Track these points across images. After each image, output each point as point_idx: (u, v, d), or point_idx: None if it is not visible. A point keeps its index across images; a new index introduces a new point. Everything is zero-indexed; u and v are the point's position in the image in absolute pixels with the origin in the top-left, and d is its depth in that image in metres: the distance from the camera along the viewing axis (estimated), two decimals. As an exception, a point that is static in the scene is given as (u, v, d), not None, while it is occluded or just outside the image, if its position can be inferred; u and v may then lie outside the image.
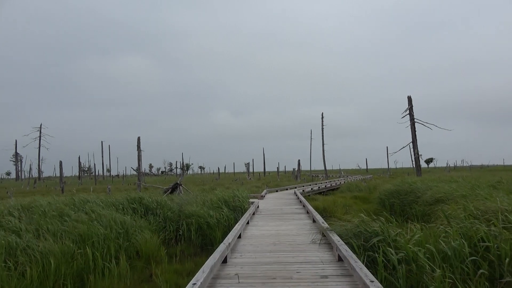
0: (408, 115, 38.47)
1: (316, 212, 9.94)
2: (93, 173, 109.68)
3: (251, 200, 16.52)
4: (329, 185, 30.37)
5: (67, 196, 13.82)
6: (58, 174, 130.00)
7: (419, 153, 38.47)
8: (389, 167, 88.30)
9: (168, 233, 11.00)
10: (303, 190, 23.69)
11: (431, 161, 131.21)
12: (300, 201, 15.81)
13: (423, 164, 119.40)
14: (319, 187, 27.20)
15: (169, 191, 22.42)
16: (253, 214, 11.71)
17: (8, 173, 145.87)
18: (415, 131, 38.26)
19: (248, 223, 9.79)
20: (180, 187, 21.28)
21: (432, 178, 20.95)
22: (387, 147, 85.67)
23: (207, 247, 10.49)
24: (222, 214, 11.00)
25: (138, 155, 36.50)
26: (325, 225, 7.83)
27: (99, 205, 11.36)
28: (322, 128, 58.88)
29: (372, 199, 21.91)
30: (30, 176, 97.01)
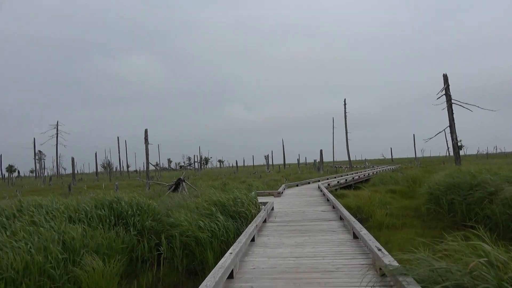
0: (444, 95, 34.09)
1: (357, 223, 6.46)
2: (111, 169, 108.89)
3: (263, 199, 13.16)
4: (357, 177, 26.69)
5: (14, 200, 10.63)
6: (79, 171, 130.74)
7: (458, 139, 34.14)
8: (416, 156, 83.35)
9: (144, 252, 7.80)
10: (328, 184, 20.16)
11: (461, 148, 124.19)
12: (328, 199, 12.34)
13: (452, 152, 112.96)
14: (346, 180, 23.59)
15: (172, 188, 19.35)
16: (264, 221, 8.36)
17: (32, 171, 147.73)
18: (452, 113, 33.83)
19: (253, 239, 6.43)
20: (183, 183, 18.14)
21: (485, 167, 17.05)
22: (414, 134, 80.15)
23: (196, 274, 7.24)
24: (218, 225, 7.66)
25: (145, 149, 33.73)
26: (384, 254, 4.36)
27: (50, 213, 8.26)
28: (345, 116, 54.77)
29: (414, 193, 18.18)
30: (52, 173, 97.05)
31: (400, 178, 20.96)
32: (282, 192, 16.03)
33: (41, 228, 6.93)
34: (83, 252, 6.59)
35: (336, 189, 20.64)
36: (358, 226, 5.93)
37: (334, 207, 10.12)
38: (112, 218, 8.53)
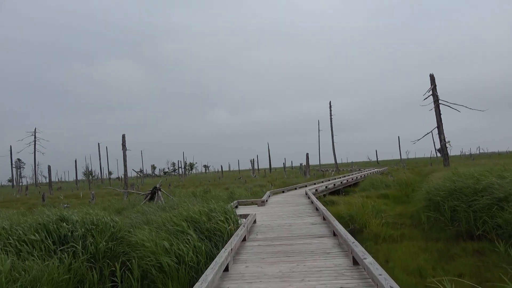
0: (432, 95, 33.44)
1: (357, 245, 5.12)
2: (92, 177, 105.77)
3: (245, 210, 11.81)
4: (345, 181, 25.57)
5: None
6: (61, 179, 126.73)
7: (446, 140, 33.46)
8: (402, 157, 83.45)
9: (94, 284, 6.32)
10: (315, 190, 18.90)
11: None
12: (317, 208, 11.05)
13: (438, 154, 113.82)
14: (334, 184, 22.39)
15: (148, 197, 17.81)
16: (244, 239, 6.98)
17: (10, 180, 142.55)
18: (440, 114, 33.22)
19: (227, 268, 5.05)
20: (159, 192, 16.62)
21: (485, 169, 16.02)
22: (398, 137, 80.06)
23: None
24: (187, 247, 6.24)
25: (123, 155, 31.96)
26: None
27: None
28: (331, 118, 53.96)
29: (408, 198, 17.08)
30: (32, 182, 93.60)
31: (391, 182, 19.86)
32: (266, 201, 14.68)
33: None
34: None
35: (324, 195, 19.42)
36: (359, 250, 4.61)
37: (325, 218, 8.83)
38: (50, 242, 6.99)
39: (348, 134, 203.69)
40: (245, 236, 7.01)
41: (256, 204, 13.77)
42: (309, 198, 14.57)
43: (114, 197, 27.98)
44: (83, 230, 7.55)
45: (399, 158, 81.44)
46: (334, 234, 6.95)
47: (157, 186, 17.01)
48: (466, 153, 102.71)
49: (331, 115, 53.92)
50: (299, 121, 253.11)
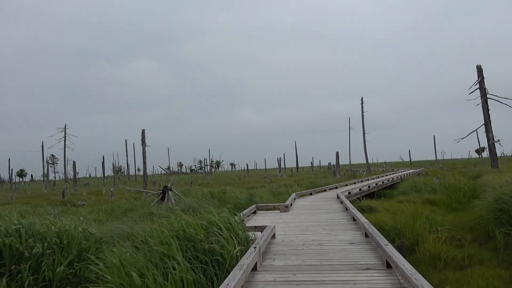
0: (478, 89, 30.02)
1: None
2: (119, 173, 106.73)
3: (263, 219, 9.68)
4: (381, 183, 22.90)
5: None
6: (93, 175, 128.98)
7: (495, 139, 29.96)
8: (437, 158, 78.85)
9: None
10: (348, 192, 16.50)
11: (483, 151, 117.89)
12: (354, 218, 8.76)
13: (474, 155, 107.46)
14: (369, 186, 19.83)
15: (160, 197, 16.01)
16: (254, 268, 4.84)
17: (45, 175, 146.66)
18: (488, 109, 29.72)
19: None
20: (170, 192, 14.74)
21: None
22: (434, 136, 75.41)
23: None
24: (171, 283, 4.17)
25: (143, 151, 30.62)
26: None
27: None
28: (362, 115, 50.81)
29: (461, 205, 14.38)
30: (62, 178, 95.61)
31: (438, 186, 17.11)
32: (291, 205, 12.45)
33: None
34: None
35: (358, 198, 16.97)
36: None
37: (368, 235, 6.56)
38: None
39: (378, 133, 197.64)
40: (256, 263, 4.86)
41: (279, 209, 11.59)
42: (342, 203, 12.25)
43: (133, 195, 26.61)
44: (45, 246, 5.65)
45: (434, 158, 76.95)
46: (388, 266, 4.68)
47: (168, 185, 15.14)
48: (507, 154, 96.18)
49: (362, 111, 50.80)
50: (327, 120, 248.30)
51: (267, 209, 11.94)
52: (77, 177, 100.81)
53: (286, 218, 9.95)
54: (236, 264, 4.60)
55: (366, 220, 7.33)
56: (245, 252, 5.04)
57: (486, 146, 32.30)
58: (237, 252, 5.08)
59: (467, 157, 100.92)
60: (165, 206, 13.73)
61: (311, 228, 8.21)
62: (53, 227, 5.93)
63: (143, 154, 30.50)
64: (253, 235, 6.57)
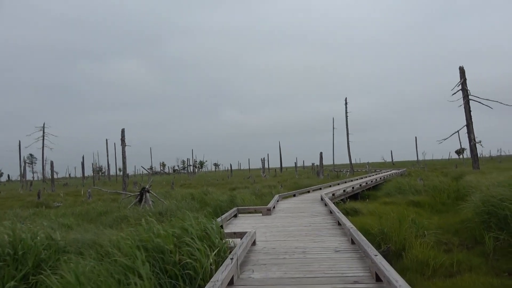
0: (461, 90, 30.25)
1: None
2: (100, 174, 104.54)
3: (244, 223, 9.21)
4: (365, 184, 22.70)
5: None
6: (72, 175, 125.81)
7: (477, 140, 30.24)
8: (418, 159, 79.95)
9: None
10: (332, 194, 16.16)
11: (463, 152, 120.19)
12: (339, 223, 8.36)
13: (454, 155, 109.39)
14: (353, 188, 19.57)
15: (137, 199, 15.33)
16: (231, 282, 4.33)
17: (22, 175, 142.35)
18: (470, 111, 30.00)
19: None
20: (147, 194, 14.09)
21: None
22: (416, 137, 76.40)
23: None
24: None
25: (122, 150, 29.70)
26: None
27: None
28: (346, 116, 50.86)
29: (445, 207, 14.21)
30: (40, 178, 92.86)
31: (422, 187, 16.95)
32: (274, 207, 12.00)
33: None
34: None
35: (342, 200, 16.67)
36: None
37: (354, 241, 6.15)
38: None
39: (361, 134, 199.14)
40: (232, 277, 4.36)
41: (261, 212, 11.12)
42: (326, 205, 11.87)
43: (111, 196, 25.73)
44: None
45: (416, 159, 77.94)
46: (378, 279, 4.25)
47: (146, 187, 14.48)
48: (486, 155, 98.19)
49: (346, 112, 50.84)
50: (311, 121, 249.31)
51: (249, 212, 11.45)
52: (57, 177, 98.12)
53: (268, 222, 9.48)
54: (210, 278, 4.10)
55: (352, 226, 6.93)
56: (222, 263, 4.55)
57: (467, 147, 32.61)
58: (211, 264, 4.57)
59: (448, 157, 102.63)
60: (142, 209, 13.09)
61: (294, 233, 7.76)
62: (5, 235, 5.29)
63: (122, 154, 29.57)
64: (233, 242, 6.09)
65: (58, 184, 67.13)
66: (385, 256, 7.67)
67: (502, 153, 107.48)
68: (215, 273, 4.22)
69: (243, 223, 9.50)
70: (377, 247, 8.35)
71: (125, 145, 29.64)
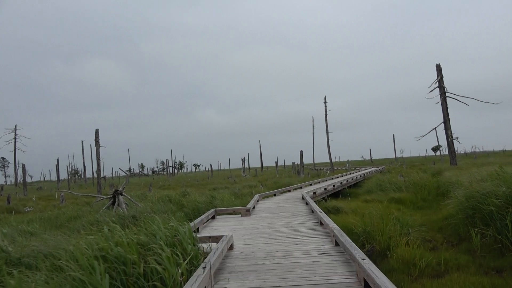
0: (438, 88, 30.59)
1: None
2: (76, 177, 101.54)
3: (222, 224, 8.70)
4: (345, 182, 22.52)
5: None
6: (47, 179, 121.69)
7: (454, 136, 30.64)
8: (396, 156, 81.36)
9: None
10: (313, 193, 15.83)
11: (438, 149, 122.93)
12: (321, 222, 7.96)
13: (431, 152, 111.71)
14: (334, 186, 19.31)
15: (110, 202, 14.57)
16: (203, 294, 3.83)
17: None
18: (447, 107, 30.36)
19: None
20: (120, 196, 13.38)
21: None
22: (393, 135, 77.67)
23: None
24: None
25: (96, 152, 28.60)
26: None
27: None
28: (326, 114, 50.95)
29: (426, 204, 14.09)
30: (11, 182, 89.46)
31: (403, 183, 16.83)
32: (253, 208, 11.53)
33: None
34: None
35: (324, 198, 16.36)
36: None
37: (338, 243, 5.74)
38: None
39: (341, 133, 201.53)
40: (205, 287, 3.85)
41: (240, 213, 10.63)
42: (307, 204, 11.49)
43: (85, 200, 24.72)
44: None
45: (394, 157, 79.21)
46: (366, 285, 3.84)
47: (119, 189, 13.75)
48: (461, 152, 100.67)
49: (326, 110, 50.92)
50: (291, 121, 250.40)
51: (228, 214, 10.95)
52: (31, 180, 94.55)
53: (247, 223, 8.99)
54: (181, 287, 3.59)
55: (336, 226, 6.52)
56: (194, 272, 4.03)
57: (444, 144, 33.03)
58: (182, 274, 4.05)
59: (425, 155, 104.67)
60: (114, 213, 12.38)
61: (274, 235, 7.31)
62: None
63: (97, 156, 28.49)
64: (209, 247, 5.57)
65: (31, 188, 64.68)
66: (370, 256, 7.34)
67: (477, 150, 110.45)
68: (184, 285, 3.70)
69: (221, 225, 8.98)
70: (361, 246, 8.01)
71: (100, 146, 28.57)
